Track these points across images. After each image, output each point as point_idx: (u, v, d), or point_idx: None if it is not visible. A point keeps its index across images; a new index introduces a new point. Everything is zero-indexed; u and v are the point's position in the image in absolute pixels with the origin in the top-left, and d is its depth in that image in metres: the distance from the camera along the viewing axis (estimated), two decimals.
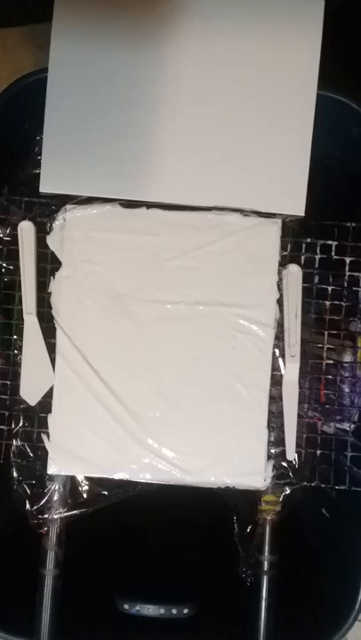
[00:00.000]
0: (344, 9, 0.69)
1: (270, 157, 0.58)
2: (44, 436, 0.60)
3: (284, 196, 0.59)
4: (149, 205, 0.59)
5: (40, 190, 0.59)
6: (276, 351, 0.60)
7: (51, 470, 0.59)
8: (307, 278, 0.60)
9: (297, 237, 0.60)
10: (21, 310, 0.59)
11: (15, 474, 0.60)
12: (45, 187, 0.58)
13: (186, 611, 0.65)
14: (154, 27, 0.58)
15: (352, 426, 0.62)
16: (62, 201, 0.59)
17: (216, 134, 0.58)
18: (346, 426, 0.62)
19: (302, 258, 0.60)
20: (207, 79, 0.58)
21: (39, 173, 0.58)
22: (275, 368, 0.60)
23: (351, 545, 0.63)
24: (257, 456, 0.59)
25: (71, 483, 0.61)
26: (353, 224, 0.60)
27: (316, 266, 0.60)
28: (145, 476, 0.59)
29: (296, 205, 0.58)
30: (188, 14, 0.58)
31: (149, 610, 0.64)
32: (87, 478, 0.61)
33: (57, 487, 0.60)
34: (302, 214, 0.58)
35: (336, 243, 0.60)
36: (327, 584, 0.67)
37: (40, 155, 0.58)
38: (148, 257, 0.59)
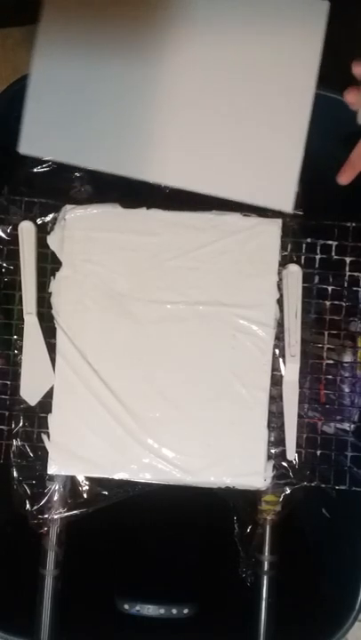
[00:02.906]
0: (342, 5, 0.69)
1: (265, 154, 0.58)
2: (44, 436, 0.60)
3: (275, 190, 0.58)
4: (149, 206, 0.59)
5: (19, 151, 0.55)
6: (277, 351, 0.60)
7: (51, 470, 0.59)
8: (307, 278, 0.60)
9: (297, 237, 0.60)
10: (21, 310, 0.60)
11: (15, 474, 0.60)
12: (25, 148, 0.54)
13: (186, 611, 0.65)
14: (154, 26, 0.58)
15: (352, 426, 0.62)
16: (62, 201, 0.59)
17: (215, 134, 0.58)
18: (346, 426, 0.62)
19: (302, 258, 0.60)
20: (207, 79, 0.58)
21: (39, 173, 0.58)
22: (275, 368, 0.60)
23: (351, 545, 0.63)
24: (257, 456, 0.59)
25: (71, 483, 0.61)
26: (353, 224, 0.60)
27: (317, 266, 0.60)
28: (145, 476, 0.59)
29: (284, 201, 0.58)
30: (189, 10, 0.58)
31: (149, 610, 0.64)
32: (87, 478, 0.61)
33: (57, 487, 0.60)
34: (290, 210, 0.58)
35: (336, 243, 0.60)
36: (327, 584, 0.67)
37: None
38: (148, 257, 0.59)
